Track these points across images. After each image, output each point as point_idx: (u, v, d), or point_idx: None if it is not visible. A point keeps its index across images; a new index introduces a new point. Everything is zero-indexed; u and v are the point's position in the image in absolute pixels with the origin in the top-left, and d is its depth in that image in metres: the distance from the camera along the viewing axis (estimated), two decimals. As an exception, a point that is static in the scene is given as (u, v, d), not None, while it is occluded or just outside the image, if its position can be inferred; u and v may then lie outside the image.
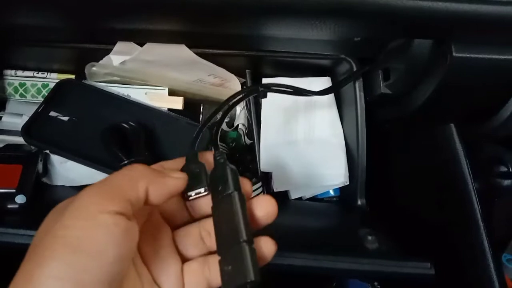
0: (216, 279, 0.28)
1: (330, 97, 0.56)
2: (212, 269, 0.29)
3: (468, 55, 0.39)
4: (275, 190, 0.55)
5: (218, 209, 0.29)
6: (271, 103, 0.56)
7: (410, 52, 0.42)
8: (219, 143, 0.36)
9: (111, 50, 0.50)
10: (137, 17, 0.42)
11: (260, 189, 0.54)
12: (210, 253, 0.30)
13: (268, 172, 0.55)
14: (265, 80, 0.56)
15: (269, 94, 0.55)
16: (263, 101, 0.56)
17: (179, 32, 0.46)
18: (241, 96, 0.40)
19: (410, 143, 0.56)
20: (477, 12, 0.34)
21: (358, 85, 0.52)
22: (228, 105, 0.39)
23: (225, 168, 0.30)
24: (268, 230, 0.45)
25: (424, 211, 0.51)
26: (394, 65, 0.47)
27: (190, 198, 0.30)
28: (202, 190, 0.30)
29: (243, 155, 0.59)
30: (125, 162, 0.45)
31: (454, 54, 0.39)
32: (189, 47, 0.49)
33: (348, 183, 0.54)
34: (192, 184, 0.30)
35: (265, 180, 0.55)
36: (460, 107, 0.48)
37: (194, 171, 0.30)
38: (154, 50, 0.49)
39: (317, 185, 0.54)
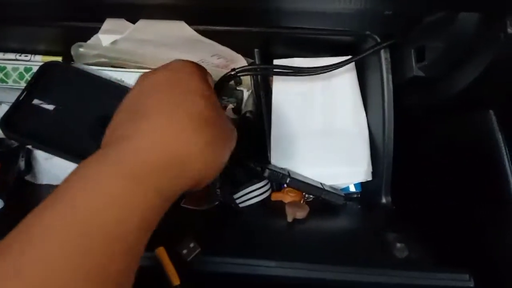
0: None
1: (353, 80, 0.52)
2: None
3: None
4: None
5: None
6: (283, 87, 0.51)
7: (452, 29, 0.38)
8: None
9: (99, 28, 0.47)
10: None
11: (268, 186, 0.50)
12: None
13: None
14: (276, 62, 0.52)
15: (280, 78, 0.51)
16: (274, 85, 0.52)
17: (177, 6, 0.42)
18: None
19: (442, 132, 0.52)
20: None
21: (386, 66, 0.48)
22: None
23: None
24: (282, 236, 0.42)
25: (459, 211, 0.47)
26: (430, 43, 0.42)
27: None
28: None
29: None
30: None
31: (509, 31, 0.34)
32: (189, 23, 0.45)
33: (370, 179, 0.50)
34: None
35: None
36: (506, 91, 0.43)
37: None
38: (149, 28, 0.46)
39: (335, 182, 0.50)
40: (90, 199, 0.25)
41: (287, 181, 0.46)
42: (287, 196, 0.48)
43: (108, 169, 0.27)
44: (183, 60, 0.35)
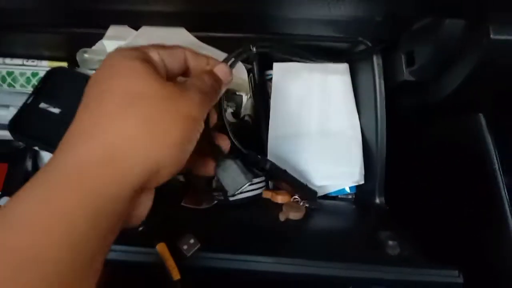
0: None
1: (347, 85, 0.52)
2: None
3: (507, 37, 0.35)
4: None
5: None
6: (281, 91, 0.52)
7: (439, 34, 0.39)
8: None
9: (104, 34, 0.47)
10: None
11: (263, 183, 0.51)
12: None
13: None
14: (275, 65, 0.52)
15: (279, 81, 0.52)
16: (272, 88, 0.53)
17: (178, 13, 0.43)
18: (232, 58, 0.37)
19: (433, 135, 0.53)
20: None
21: (378, 71, 0.49)
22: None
23: None
24: (279, 233, 0.42)
25: (450, 211, 0.48)
26: (419, 48, 0.43)
27: None
28: None
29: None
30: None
31: (491, 36, 0.35)
32: (189, 30, 0.46)
33: (363, 182, 0.51)
34: None
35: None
36: (493, 95, 0.44)
37: None
38: (151, 34, 0.46)
39: (328, 182, 0.51)
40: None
41: (267, 166, 0.44)
42: (276, 196, 0.49)
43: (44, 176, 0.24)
44: (121, 52, 0.30)
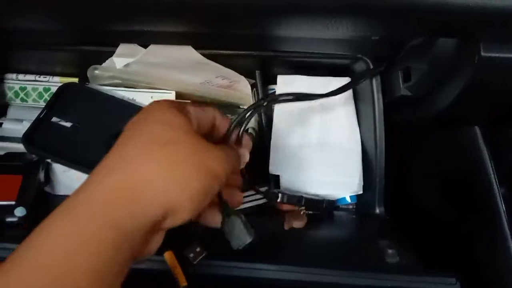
0: None
1: (348, 99, 0.53)
2: None
3: (497, 55, 0.36)
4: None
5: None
6: (283, 105, 0.53)
7: (433, 52, 0.40)
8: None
9: (114, 52, 0.49)
10: (141, 19, 0.41)
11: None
12: None
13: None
14: (279, 77, 0.54)
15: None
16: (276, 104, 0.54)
17: (185, 33, 0.44)
18: (248, 113, 0.40)
19: (431, 147, 0.54)
20: (508, 8, 0.31)
21: (376, 86, 0.50)
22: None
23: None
24: (282, 241, 0.44)
25: (447, 221, 0.49)
26: (415, 65, 0.45)
27: None
28: None
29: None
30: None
31: (482, 54, 0.36)
32: (196, 48, 0.47)
33: (361, 192, 0.51)
34: None
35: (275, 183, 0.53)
36: (487, 109, 0.45)
37: None
38: (159, 52, 0.48)
39: (327, 192, 0.52)
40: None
41: (284, 200, 0.48)
42: (282, 205, 0.50)
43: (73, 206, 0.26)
44: (160, 101, 0.33)
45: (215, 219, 0.36)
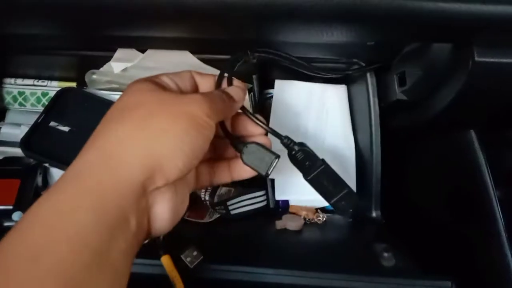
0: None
1: (344, 105, 0.54)
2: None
3: (491, 60, 0.37)
4: (276, 199, 0.53)
5: None
6: (281, 107, 0.54)
7: (427, 57, 0.41)
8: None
9: (111, 57, 0.49)
10: (139, 25, 0.41)
11: (264, 197, 0.52)
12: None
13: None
14: (277, 82, 0.54)
15: (279, 97, 0.54)
16: (273, 104, 0.54)
17: (182, 39, 0.44)
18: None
19: (427, 151, 0.54)
20: (501, 14, 0.32)
21: (372, 91, 0.50)
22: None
23: None
24: (279, 245, 0.44)
25: (443, 224, 0.49)
26: (410, 70, 0.45)
27: None
28: None
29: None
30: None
31: (476, 58, 0.36)
32: (193, 53, 0.48)
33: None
34: None
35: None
36: (481, 113, 0.45)
37: None
38: (156, 57, 0.48)
39: (320, 197, 0.51)
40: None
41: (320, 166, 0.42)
42: (300, 210, 0.50)
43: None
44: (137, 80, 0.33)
45: (225, 176, 0.38)
